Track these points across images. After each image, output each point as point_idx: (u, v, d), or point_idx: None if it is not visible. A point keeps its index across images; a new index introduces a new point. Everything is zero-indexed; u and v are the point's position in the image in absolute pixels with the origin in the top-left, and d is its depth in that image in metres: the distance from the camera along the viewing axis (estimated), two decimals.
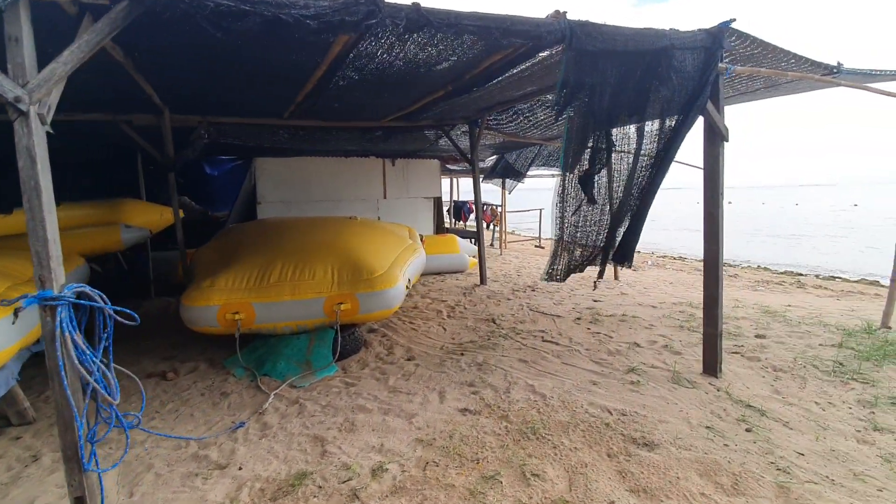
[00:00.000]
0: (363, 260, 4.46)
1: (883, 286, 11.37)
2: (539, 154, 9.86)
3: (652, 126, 3.29)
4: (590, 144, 3.26)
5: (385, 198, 9.56)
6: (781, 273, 11.66)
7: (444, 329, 5.15)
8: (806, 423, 2.98)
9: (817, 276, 12.45)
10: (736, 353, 4.20)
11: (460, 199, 13.83)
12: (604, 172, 3.45)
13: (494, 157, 11.10)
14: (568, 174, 3.27)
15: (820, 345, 4.36)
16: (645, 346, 4.41)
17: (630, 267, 3.94)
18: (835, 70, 3.98)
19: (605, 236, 3.60)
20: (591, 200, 3.44)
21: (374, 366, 4.16)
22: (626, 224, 3.60)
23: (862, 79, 4.22)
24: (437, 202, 10.22)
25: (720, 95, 3.40)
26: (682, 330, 4.91)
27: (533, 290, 7.02)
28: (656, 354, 4.20)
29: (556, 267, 3.65)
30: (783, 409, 3.15)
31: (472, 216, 15.12)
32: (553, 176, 9.81)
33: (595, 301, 6.31)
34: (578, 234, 3.60)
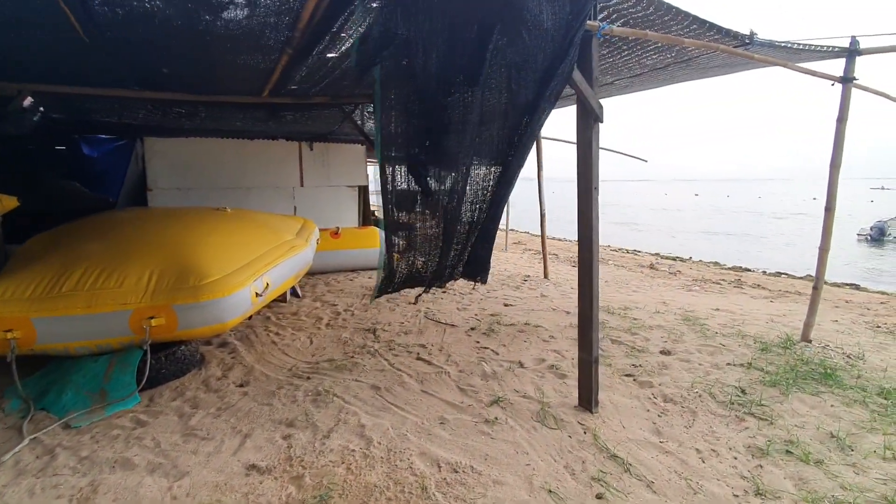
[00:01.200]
0: (194, 263, 3.65)
1: (825, 285, 11.23)
2: None
3: (499, 98, 2.54)
4: (415, 121, 2.49)
5: (302, 186, 8.67)
6: (729, 269, 11.30)
7: (312, 342, 4.39)
8: (676, 482, 2.35)
9: (764, 273, 12.20)
10: (630, 375, 3.57)
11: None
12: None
13: None
14: (389, 164, 2.50)
15: (728, 364, 3.77)
16: (529, 367, 3.74)
17: (484, 282, 3.23)
18: (747, 41, 3.33)
19: (450, 243, 2.86)
20: (426, 192, 2.68)
21: (191, 395, 3.37)
22: (477, 229, 2.88)
23: (778, 53, 3.58)
24: (363, 191, 9.38)
25: (592, 62, 2.69)
26: None
27: (445, 291, 6.32)
28: (536, 378, 3.53)
29: (390, 280, 2.89)
30: (655, 461, 2.51)
31: None
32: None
33: (506, 305, 5.64)
34: (418, 240, 2.85)
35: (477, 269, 3.04)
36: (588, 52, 2.65)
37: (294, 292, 6.06)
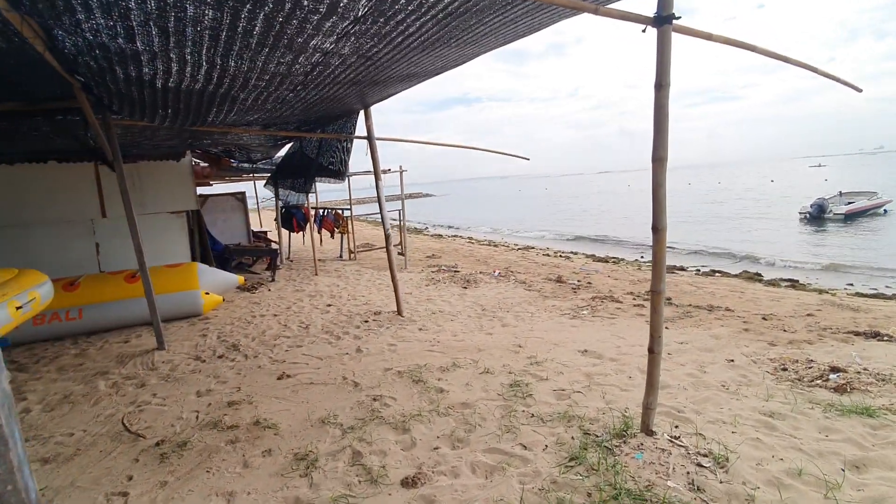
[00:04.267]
0: None
1: (759, 279, 9.99)
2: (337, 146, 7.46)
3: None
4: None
5: (105, 217, 6.92)
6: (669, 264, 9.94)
7: None
8: None
9: (697, 272, 10.97)
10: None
11: (291, 204, 11.31)
12: None
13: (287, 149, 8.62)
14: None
15: (526, 483, 2.27)
16: None
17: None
18: None
19: None
20: None
21: None
22: None
23: None
24: (195, 217, 7.68)
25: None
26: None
27: (237, 349, 4.70)
28: None
29: None
30: None
31: (312, 224, 12.64)
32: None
33: (279, 373, 4.04)
34: None
35: None
36: None
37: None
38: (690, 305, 6.40)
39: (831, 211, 19.95)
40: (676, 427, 2.86)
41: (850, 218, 19.55)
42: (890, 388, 3.42)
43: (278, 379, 3.96)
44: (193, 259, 7.57)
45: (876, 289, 8.83)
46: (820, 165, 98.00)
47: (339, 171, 8.09)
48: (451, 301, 6.91)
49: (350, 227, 12.05)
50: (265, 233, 12.21)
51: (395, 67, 3.44)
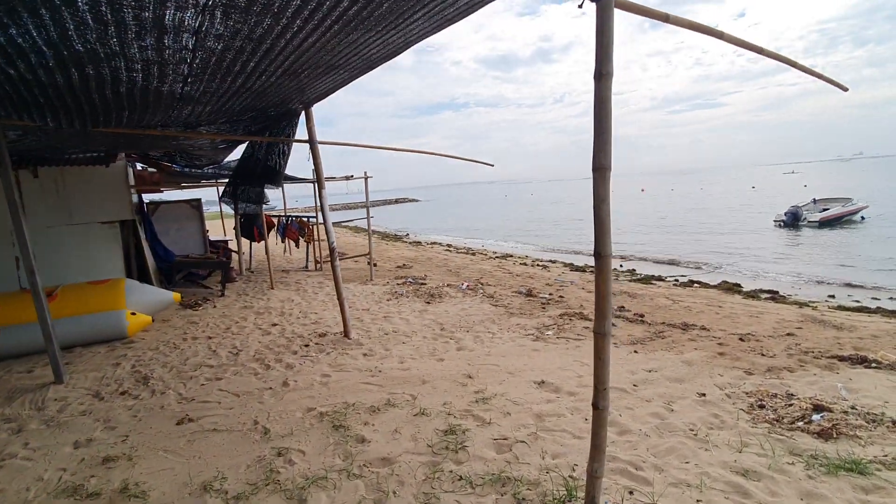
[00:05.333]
0: None
1: (738, 290, 9.53)
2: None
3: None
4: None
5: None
6: (638, 280, 9.51)
7: None
8: None
9: (676, 282, 10.57)
10: None
11: (250, 212, 10.62)
12: None
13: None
14: None
15: None
16: None
17: None
18: None
19: None
20: None
21: None
22: None
23: None
24: (131, 227, 7.03)
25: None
26: None
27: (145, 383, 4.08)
28: None
29: None
30: None
31: (275, 232, 12.00)
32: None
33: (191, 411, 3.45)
34: None
35: None
36: None
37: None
38: (664, 323, 5.94)
39: (805, 218, 19.87)
40: (631, 494, 2.35)
41: (824, 225, 19.47)
42: (882, 433, 2.96)
43: (178, 424, 3.36)
44: (129, 274, 6.91)
45: (858, 301, 8.50)
46: (793, 172, 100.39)
47: (275, 175, 7.46)
48: (410, 319, 6.37)
49: (316, 235, 11.46)
50: (226, 242, 11.53)
51: (304, 57, 2.91)
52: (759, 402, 3.44)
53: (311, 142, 5.11)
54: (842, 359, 4.41)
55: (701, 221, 25.42)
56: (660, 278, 11.06)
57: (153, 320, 5.89)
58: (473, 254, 16.50)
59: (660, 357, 4.59)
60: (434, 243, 21.10)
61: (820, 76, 2.86)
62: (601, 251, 1.99)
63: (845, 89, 3.19)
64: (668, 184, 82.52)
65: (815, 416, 3.15)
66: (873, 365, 4.19)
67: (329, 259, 13.01)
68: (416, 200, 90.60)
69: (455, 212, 49.95)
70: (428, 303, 7.36)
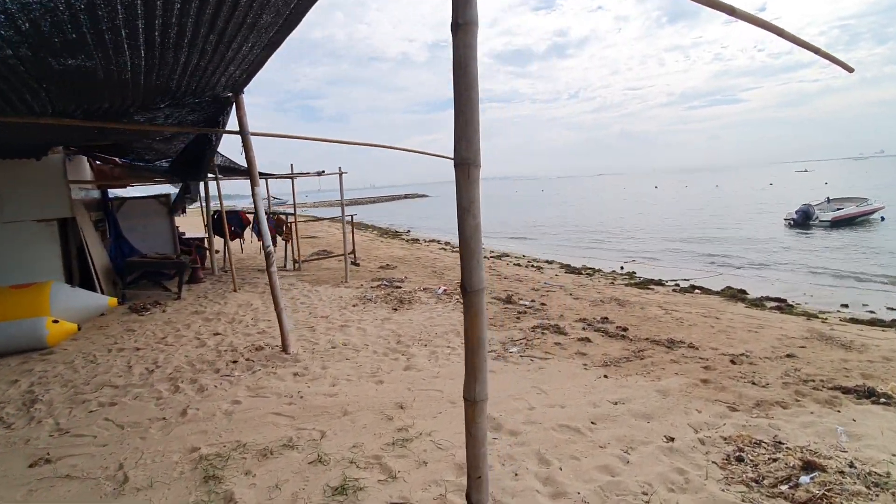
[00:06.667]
0: None
1: (743, 297, 8.55)
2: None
3: None
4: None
5: None
6: (636, 284, 8.77)
7: None
8: None
9: (675, 287, 9.80)
10: None
11: (227, 208, 10.07)
12: None
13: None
14: None
15: None
16: None
17: None
18: None
19: None
20: None
21: None
22: None
23: None
24: (71, 225, 6.53)
25: None
26: None
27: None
28: None
29: None
30: None
31: (249, 230, 11.50)
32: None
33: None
34: None
35: None
36: None
37: None
38: (648, 339, 5.26)
39: (817, 217, 18.84)
40: None
41: (837, 225, 18.42)
42: (885, 501, 2.29)
43: (30, 466, 2.81)
44: (69, 277, 6.43)
45: (873, 311, 7.71)
46: (805, 171, 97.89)
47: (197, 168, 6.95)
48: (367, 329, 5.79)
49: (294, 233, 10.92)
50: (201, 240, 11.05)
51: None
52: (738, 454, 2.79)
53: (243, 132, 4.53)
54: (846, 391, 3.72)
55: (708, 220, 24.44)
56: (659, 283, 10.32)
57: (79, 328, 5.38)
58: None
59: (632, 384, 3.94)
60: (432, 241, 20.47)
61: (825, 55, 2.27)
62: (468, 285, 1.36)
63: (851, 70, 2.64)
64: (683, 182, 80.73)
65: (804, 478, 2.49)
66: (882, 400, 3.50)
67: (317, 258, 12.43)
68: (426, 196, 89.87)
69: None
70: (395, 309, 6.77)
